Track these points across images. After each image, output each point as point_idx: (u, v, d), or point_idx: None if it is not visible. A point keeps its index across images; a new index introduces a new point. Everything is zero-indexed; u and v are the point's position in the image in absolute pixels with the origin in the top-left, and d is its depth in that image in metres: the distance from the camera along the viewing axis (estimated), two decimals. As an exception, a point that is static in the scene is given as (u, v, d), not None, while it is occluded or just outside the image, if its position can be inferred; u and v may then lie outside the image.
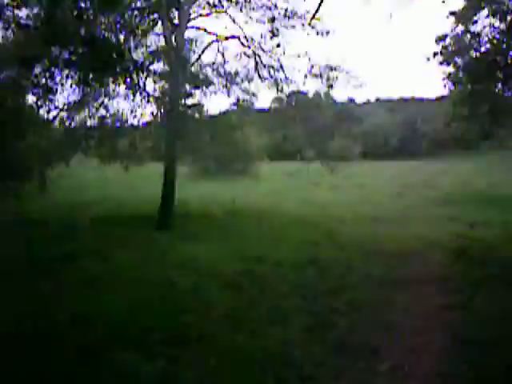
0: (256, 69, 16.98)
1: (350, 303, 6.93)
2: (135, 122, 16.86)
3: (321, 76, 16.58)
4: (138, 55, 15.20)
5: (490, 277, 8.34)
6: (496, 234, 12.62)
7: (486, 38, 19.94)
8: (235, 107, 19.39)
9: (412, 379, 4.78)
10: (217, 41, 16.49)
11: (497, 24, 19.58)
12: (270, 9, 15.86)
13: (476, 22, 21.06)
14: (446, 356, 5.25)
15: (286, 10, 15.77)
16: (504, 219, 15.05)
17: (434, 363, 5.08)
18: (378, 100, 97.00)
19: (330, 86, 16.79)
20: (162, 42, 15.75)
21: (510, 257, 9.72)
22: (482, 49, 20.56)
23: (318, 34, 15.75)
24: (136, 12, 15.02)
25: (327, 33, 15.78)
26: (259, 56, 16.67)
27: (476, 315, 6.47)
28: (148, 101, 15.67)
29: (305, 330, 5.94)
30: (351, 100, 79.78)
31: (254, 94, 18.37)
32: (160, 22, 15.35)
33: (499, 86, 21.88)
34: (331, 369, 4.90)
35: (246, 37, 16.37)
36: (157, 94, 16.10)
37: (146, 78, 15.38)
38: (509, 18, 17.90)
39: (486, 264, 9.19)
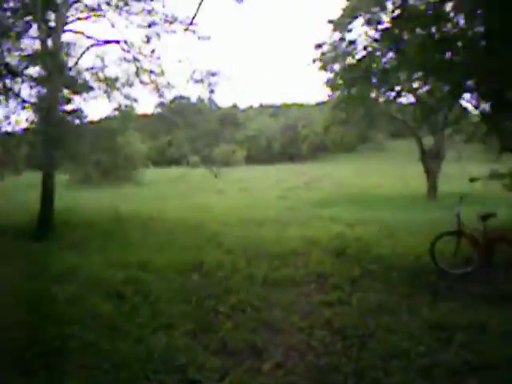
0: (137, 74, 16.77)
1: (234, 305, 7.05)
2: (9, 129, 16.01)
3: (202, 81, 16.64)
4: (12, 59, 14.59)
5: (367, 273, 8.85)
6: (372, 232, 13.29)
7: (361, 46, 20.95)
8: (117, 113, 19.04)
9: (293, 375, 4.94)
10: (96, 45, 16.14)
11: (371, 33, 20.68)
12: (149, 13, 15.75)
13: (351, 30, 22.21)
14: (326, 351, 5.47)
15: (167, 16, 15.73)
16: (380, 218, 15.92)
17: (315, 358, 5.28)
18: (261, 105, 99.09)
19: (212, 92, 16.90)
20: (38, 46, 15.15)
21: (384, 253, 10.27)
22: (358, 56, 21.56)
23: (199, 38, 15.84)
24: (8, 13, 14.37)
25: (208, 38, 15.92)
26: (139, 61, 16.47)
27: (355, 310, 6.83)
28: (23, 107, 14.99)
29: (189, 334, 5.97)
30: (234, 105, 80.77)
31: (135, 100, 18.11)
32: (35, 25, 14.80)
33: (373, 91, 23.05)
34: (215, 371, 4.96)
35: (126, 41, 16.15)
36: (33, 99, 15.43)
37: (21, 83, 14.77)
38: (380, 27, 18.88)
39: (364, 261, 9.68)
